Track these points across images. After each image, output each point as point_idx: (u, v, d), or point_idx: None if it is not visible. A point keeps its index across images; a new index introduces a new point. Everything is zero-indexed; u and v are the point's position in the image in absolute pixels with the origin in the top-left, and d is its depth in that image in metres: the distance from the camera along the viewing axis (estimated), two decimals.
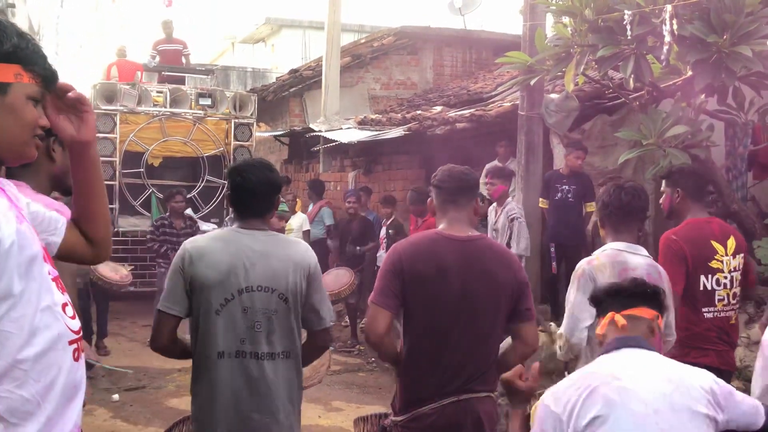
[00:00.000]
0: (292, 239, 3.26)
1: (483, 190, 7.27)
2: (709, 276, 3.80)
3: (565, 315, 3.30)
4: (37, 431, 1.54)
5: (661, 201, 4.13)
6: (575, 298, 3.24)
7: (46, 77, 1.66)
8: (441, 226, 2.98)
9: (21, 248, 1.52)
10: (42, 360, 1.55)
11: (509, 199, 6.98)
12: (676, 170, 4.07)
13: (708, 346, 3.74)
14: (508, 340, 3.01)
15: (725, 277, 3.81)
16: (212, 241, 2.95)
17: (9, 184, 1.67)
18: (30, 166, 1.94)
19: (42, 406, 1.55)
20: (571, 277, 3.33)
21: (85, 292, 7.42)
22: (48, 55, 1.70)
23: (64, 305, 1.66)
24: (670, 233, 3.87)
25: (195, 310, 2.88)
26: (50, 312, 1.59)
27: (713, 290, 3.81)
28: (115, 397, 6.48)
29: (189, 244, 2.94)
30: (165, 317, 2.88)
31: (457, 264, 2.85)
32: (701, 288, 3.79)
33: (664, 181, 4.07)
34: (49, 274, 1.64)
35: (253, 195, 2.94)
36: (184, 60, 13.29)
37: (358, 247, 8.93)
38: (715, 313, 3.81)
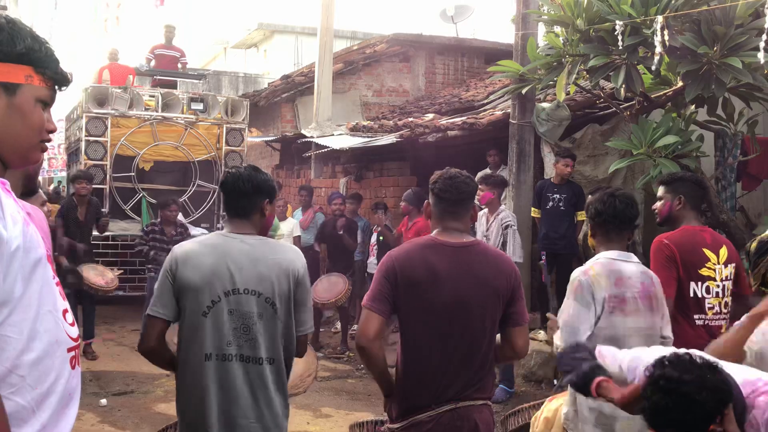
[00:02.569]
0: (282, 243, 3.26)
1: None
2: (699, 283, 3.80)
3: (561, 326, 3.26)
4: None
5: (655, 207, 4.08)
6: (573, 309, 3.20)
7: (57, 81, 1.64)
8: (435, 232, 2.97)
9: (26, 251, 1.50)
10: (39, 366, 1.53)
11: (502, 206, 6.99)
12: (678, 177, 4.05)
13: None
14: (497, 340, 3.00)
15: (717, 286, 3.82)
16: (199, 245, 2.96)
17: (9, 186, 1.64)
18: None
19: (36, 414, 1.52)
20: (568, 288, 3.30)
21: (72, 294, 7.38)
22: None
23: (65, 311, 1.63)
24: (663, 237, 3.87)
25: (182, 312, 2.89)
26: (51, 317, 1.57)
27: (703, 298, 3.81)
28: (103, 401, 6.43)
29: (177, 248, 2.96)
30: (153, 320, 2.90)
31: (450, 270, 2.84)
32: (691, 295, 3.80)
33: (662, 187, 4.02)
34: (53, 278, 1.62)
35: (233, 192, 2.98)
36: (180, 67, 13.27)
37: (341, 231, 8.87)
38: (706, 321, 3.82)
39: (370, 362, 2.92)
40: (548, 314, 3.74)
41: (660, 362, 2.00)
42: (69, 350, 1.62)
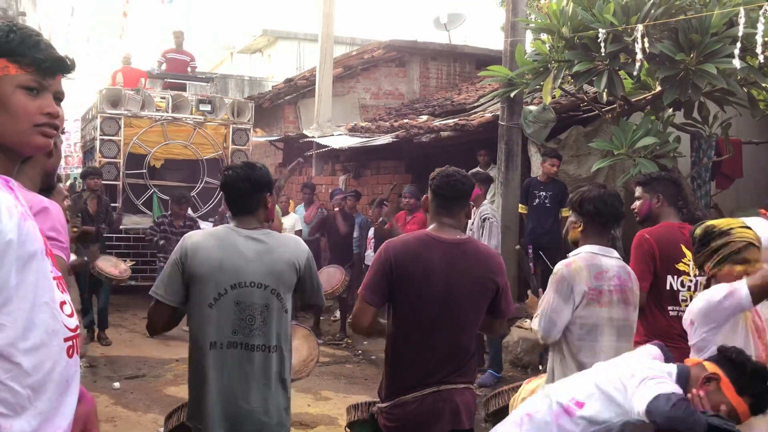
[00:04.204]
0: (284, 235, 3.22)
1: None
2: (675, 277, 3.81)
3: (540, 314, 3.22)
4: (29, 425, 1.47)
5: (634, 206, 4.04)
6: (553, 300, 3.17)
7: (40, 65, 1.56)
8: (431, 227, 2.98)
9: (21, 244, 1.46)
10: (35, 354, 1.49)
11: (485, 201, 6.99)
12: (654, 176, 4.02)
13: (670, 343, 3.74)
14: None
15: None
16: (208, 237, 2.93)
17: (13, 183, 1.59)
18: (31, 158, 1.84)
19: (33, 401, 1.49)
20: (550, 279, 3.28)
21: (86, 284, 7.39)
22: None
23: (62, 303, 1.59)
24: (644, 232, 3.85)
25: (191, 302, 2.87)
26: (47, 308, 1.53)
27: (677, 291, 3.82)
28: (116, 384, 6.43)
29: (187, 239, 2.92)
30: (160, 307, 2.89)
31: (442, 265, 2.85)
32: (667, 287, 3.81)
33: (641, 187, 3.98)
34: (51, 272, 1.57)
35: (235, 192, 2.94)
36: (189, 71, 13.23)
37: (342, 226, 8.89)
38: (679, 312, 3.82)
39: (370, 337, 3.07)
40: (529, 292, 3.71)
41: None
42: (66, 340, 1.57)
